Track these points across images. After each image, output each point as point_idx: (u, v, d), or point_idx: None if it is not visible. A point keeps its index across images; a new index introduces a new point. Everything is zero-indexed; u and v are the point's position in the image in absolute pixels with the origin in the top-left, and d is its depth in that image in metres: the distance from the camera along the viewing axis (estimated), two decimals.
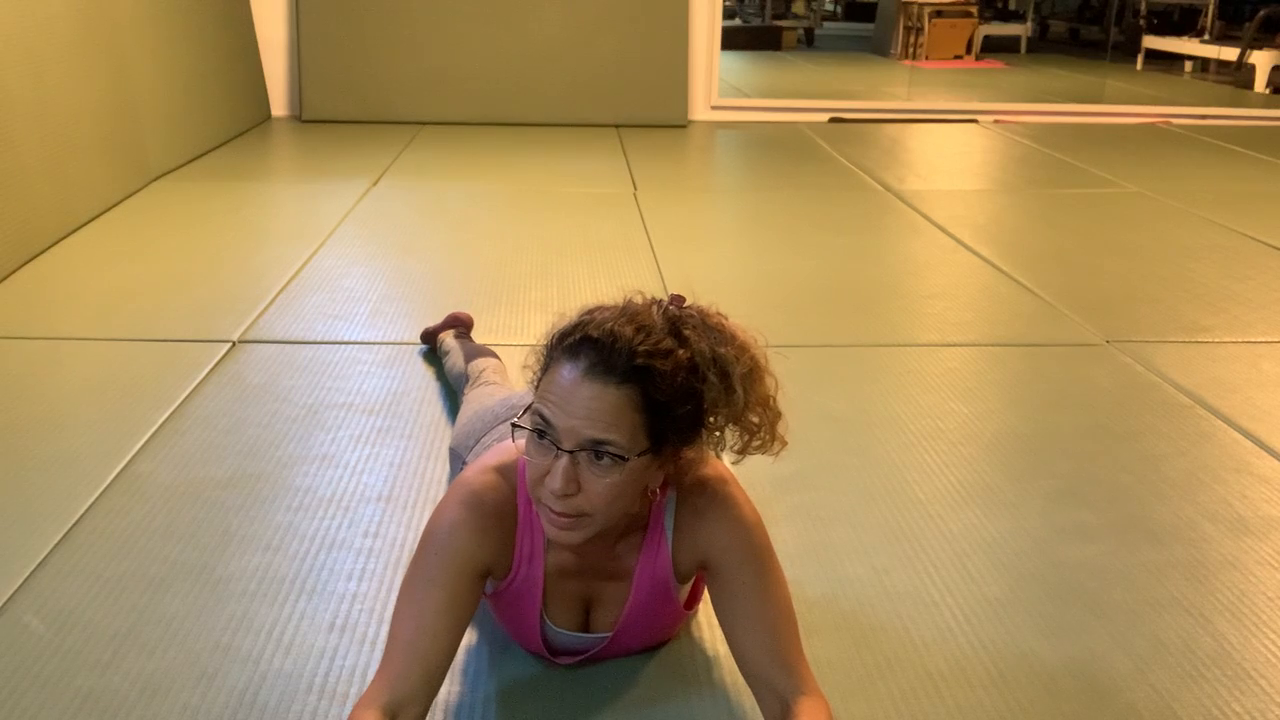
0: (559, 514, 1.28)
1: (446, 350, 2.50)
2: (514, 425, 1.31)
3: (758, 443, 1.34)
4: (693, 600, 1.56)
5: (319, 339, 2.77)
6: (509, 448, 1.42)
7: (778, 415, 1.34)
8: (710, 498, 1.39)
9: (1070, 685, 1.53)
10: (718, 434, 1.34)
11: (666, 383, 1.25)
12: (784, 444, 1.35)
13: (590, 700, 1.48)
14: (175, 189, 4.30)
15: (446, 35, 5.87)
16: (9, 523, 1.88)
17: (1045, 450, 2.26)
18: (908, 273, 3.47)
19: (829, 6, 13.16)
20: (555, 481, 1.25)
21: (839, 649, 1.60)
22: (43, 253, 3.38)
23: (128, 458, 2.12)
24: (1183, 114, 6.71)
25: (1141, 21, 10.15)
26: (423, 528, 1.63)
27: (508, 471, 1.39)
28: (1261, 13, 8.41)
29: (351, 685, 1.50)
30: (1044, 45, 11.23)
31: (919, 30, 9.66)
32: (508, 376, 2.27)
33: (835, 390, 2.52)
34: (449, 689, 1.49)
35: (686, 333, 1.29)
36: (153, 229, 3.73)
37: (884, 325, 2.96)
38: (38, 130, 3.47)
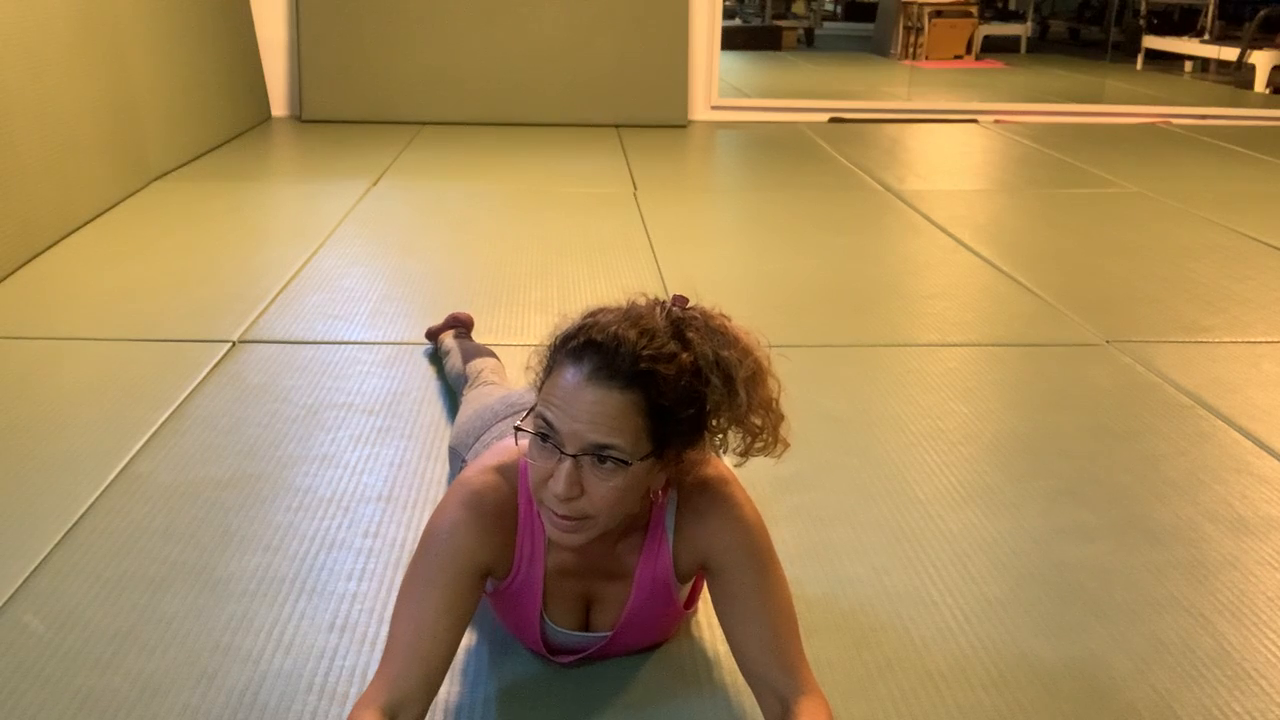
0: (562, 517, 1.28)
1: (446, 350, 2.50)
2: (517, 429, 1.31)
3: (760, 444, 1.34)
4: (692, 600, 1.56)
5: (319, 339, 2.77)
6: (509, 447, 1.42)
7: (780, 417, 1.34)
8: (711, 498, 1.39)
9: (1070, 685, 1.53)
10: (720, 436, 1.34)
11: (670, 387, 1.25)
12: (786, 446, 1.35)
13: (590, 700, 1.48)
14: (175, 189, 4.30)
15: (446, 35, 5.87)
16: (9, 523, 1.88)
17: (1045, 450, 2.26)
18: (908, 273, 3.47)
19: (829, 6, 13.17)
20: (559, 485, 1.25)
21: (839, 649, 1.60)
22: (43, 253, 3.38)
23: (128, 458, 2.12)
24: (1183, 114, 6.71)
25: (1141, 21, 10.15)
26: (423, 528, 1.63)
27: (508, 471, 1.39)
28: (1261, 13, 8.42)
29: (351, 685, 1.50)
30: (1044, 45, 11.24)
31: (919, 30, 9.66)
32: (506, 376, 2.28)
33: (835, 390, 2.52)
34: (449, 689, 1.49)
35: (690, 335, 1.28)
36: (153, 229, 3.73)
37: (884, 325, 2.96)
38: (38, 130, 3.47)
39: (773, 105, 6.63)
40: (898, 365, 2.68)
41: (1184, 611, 1.71)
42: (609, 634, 1.48)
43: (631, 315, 1.28)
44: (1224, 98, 7.92)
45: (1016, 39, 10.88)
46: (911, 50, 9.70)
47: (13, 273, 3.18)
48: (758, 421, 1.32)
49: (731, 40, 7.91)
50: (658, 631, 1.54)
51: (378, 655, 1.54)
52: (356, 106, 5.88)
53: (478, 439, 1.80)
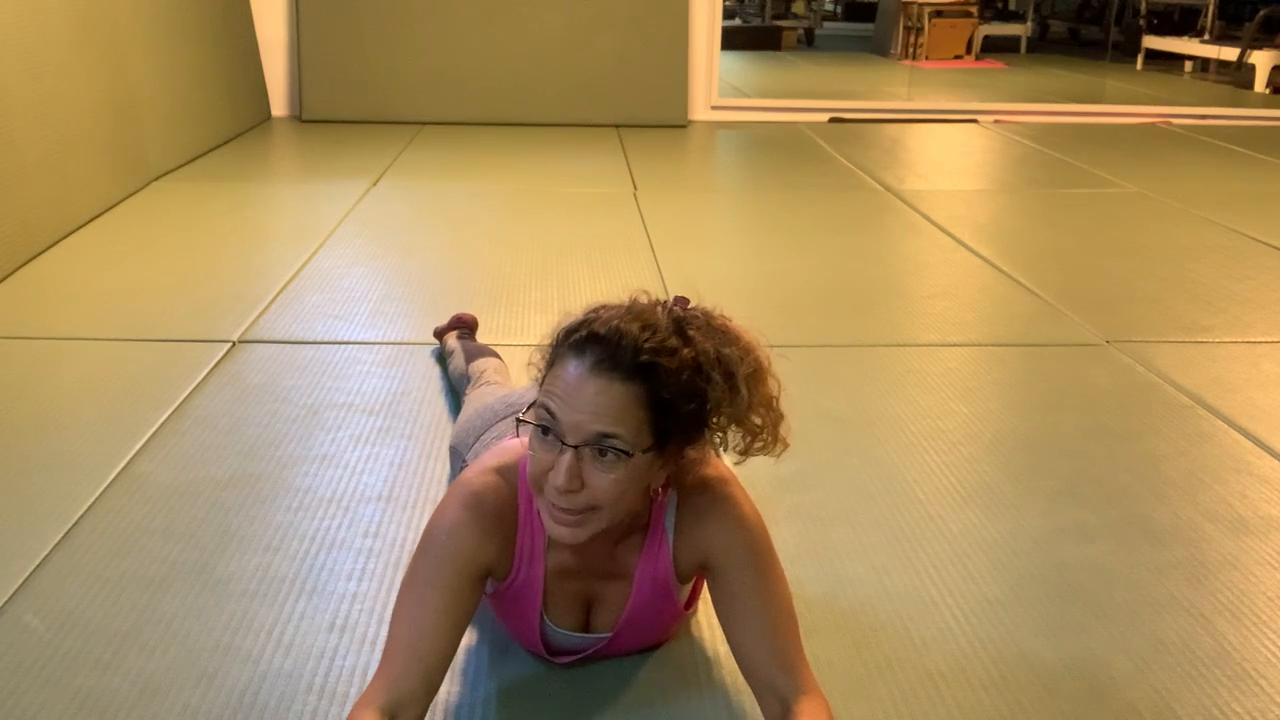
0: (563, 510, 1.28)
1: (450, 351, 2.50)
2: (519, 420, 1.31)
3: (760, 444, 1.34)
4: (692, 600, 1.56)
5: (319, 339, 2.77)
6: (509, 448, 1.42)
7: (780, 417, 1.34)
8: (711, 498, 1.39)
9: (1070, 685, 1.53)
10: (720, 434, 1.34)
11: (672, 380, 1.25)
12: (786, 446, 1.36)
13: (590, 700, 1.48)
14: (175, 189, 4.30)
15: (446, 35, 5.87)
16: (9, 523, 1.88)
17: (1045, 450, 2.26)
18: (908, 273, 3.47)
19: (829, 6, 13.16)
20: (559, 477, 1.25)
21: (839, 649, 1.60)
22: (43, 253, 3.38)
23: (128, 458, 2.12)
24: (1183, 114, 6.71)
25: (1141, 21, 10.15)
26: (423, 528, 1.63)
27: (508, 472, 1.39)
28: (1261, 13, 8.41)
29: (351, 685, 1.50)
30: (1044, 45, 11.23)
31: (919, 30, 9.66)
32: (509, 376, 2.28)
33: (835, 390, 2.52)
34: (449, 689, 1.49)
35: (691, 332, 1.29)
36: (153, 229, 3.73)
37: (884, 325, 2.96)
38: (38, 130, 3.47)
39: (773, 105, 6.63)
40: (898, 365, 2.68)
41: (1184, 611, 1.71)
42: (609, 635, 1.48)
43: (634, 310, 1.29)
44: (1224, 98, 7.92)
45: (1016, 39, 10.88)
46: (911, 50, 9.69)
47: (13, 273, 3.18)
48: (758, 420, 1.32)
49: (731, 40, 7.91)
50: (658, 632, 1.54)
51: (378, 655, 1.54)
52: (356, 106, 5.88)
53: (478, 439, 1.80)
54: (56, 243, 3.48)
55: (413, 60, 5.88)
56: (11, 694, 1.47)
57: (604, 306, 1.31)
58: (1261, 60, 8.10)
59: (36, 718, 1.43)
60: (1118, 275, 3.43)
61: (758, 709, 1.37)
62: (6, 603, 1.66)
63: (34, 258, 3.32)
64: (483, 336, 2.68)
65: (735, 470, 1.44)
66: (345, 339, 2.78)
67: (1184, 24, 9.92)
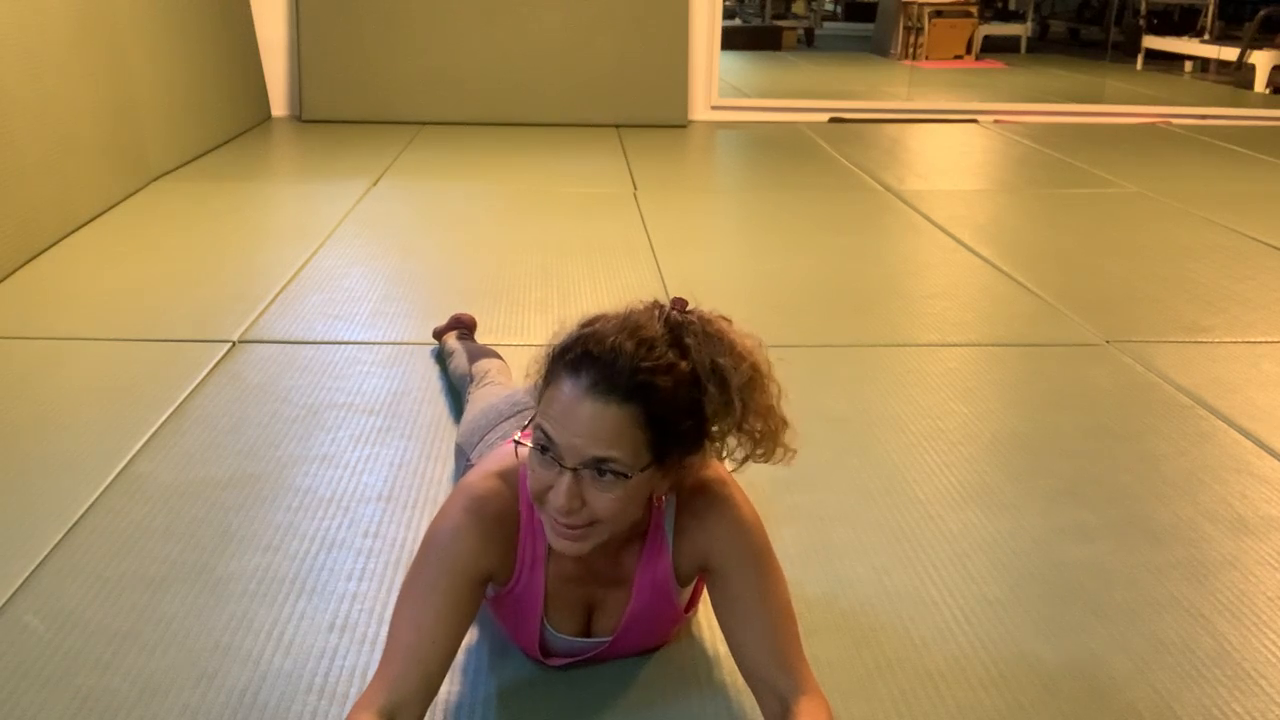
0: (567, 526, 1.28)
1: (450, 351, 2.50)
2: (516, 442, 1.31)
3: (761, 451, 1.33)
4: (692, 603, 1.55)
5: (319, 339, 2.77)
6: (511, 452, 1.41)
7: (783, 424, 1.32)
8: (709, 500, 1.39)
9: (1070, 685, 1.53)
10: (721, 443, 1.33)
11: (668, 397, 1.24)
12: (791, 453, 1.34)
13: (590, 701, 1.48)
14: (175, 189, 4.30)
15: (446, 35, 5.87)
16: (9, 523, 1.88)
17: (1045, 450, 2.25)
18: (908, 273, 3.47)
19: (829, 6, 13.17)
20: (559, 498, 1.25)
21: (839, 649, 1.60)
22: (43, 253, 3.38)
23: (128, 458, 2.12)
24: (1183, 114, 6.71)
25: (1141, 21, 10.15)
26: (423, 529, 1.62)
27: (510, 477, 1.38)
28: (1261, 13, 8.41)
29: (351, 685, 1.50)
30: (1044, 45, 11.23)
31: (919, 30, 9.66)
32: (511, 377, 2.27)
33: (835, 390, 2.52)
34: (449, 689, 1.49)
35: (688, 341, 1.27)
36: (153, 229, 3.73)
37: (884, 325, 2.96)
38: (38, 130, 3.47)
39: (773, 105, 6.63)
40: (898, 365, 2.68)
41: (1184, 611, 1.71)
42: (609, 639, 1.48)
43: (629, 324, 1.27)
44: (1224, 98, 7.92)
45: (1016, 39, 10.88)
46: (911, 50, 9.69)
47: (13, 273, 3.18)
48: (758, 427, 1.31)
49: (731, 40, 7.90)
50: (657, 635, 1.54)
51: (378, 655, 1.54)
52: (356, 106, 5.88)
53: (482, 438, 1.80)
54: (56, 243, 3.48)
55: (413, 60, 5.88)
56: (11, 694, 1.47)
57: (599, 319, 1.29)
58: (1261, 60, 8.10)
59: (36, 718, 1.43)
60: (1118, 275, 3.43)
61: (758, 709, 1.37)
62: (6, 603, 1.66)
63: (34, 258, 3.32)
64: (482, 336, 2.68)
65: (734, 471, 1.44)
66: (345, 339, 2.78)
67: (1184, 24, 9.92)
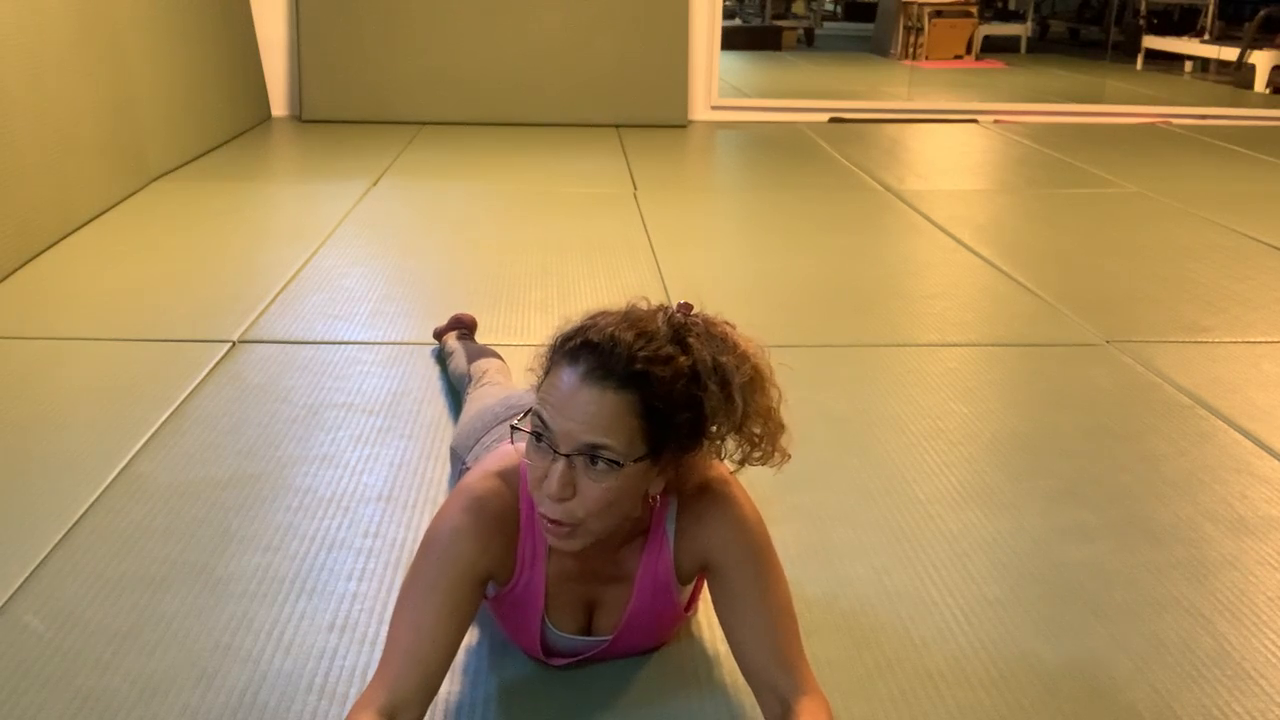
0: (554, 521, 1.28)
1: (450, 351, 2.50)
2: (513, 428, 1.31)
3: (758, 454, 1.34)
4: (692, 601, 1.55)
5: (319, 339, 2.77)
6: (510, 451, 1.42)
7: (780, 427, 1.33)
8: (711, 499, 1.39)
9: (1070, 685, 1.53)
10: (719, 443, 1.33)
11: (665, 389, 1.25)
12: (786, 457, 1.35)
13: (590, 700, 1.48)
14: (175, 189, 4.30)
15: (446, 35, 5.87)
16: (9, 523, 1.88)
17: (1045, 450, 2.26)
18: (908, 273, 3.47)
19: (829, 6, 13.17)
20: (551, 485, 1.25)
21: (839, 649, 1.60)
22: (43, 253, 3.38)
23: (128, 458, 2.12)
24: (1183, 114, 6.71)
25: (1141, 21, 10.15)
26: (423, 529, 1.62)
27: (510, 477, 1.38)
28: (1261, 13, 8.41)
29: (351, 685, 1.50)
30: (1044, 45, 11.24)
31: (919, 30, 9.66)
32: (510, 377, 2.28)
33: (835, 390, 2.52)
34: (449, 689, 1.49)
35: (690, 340, 1.28)
36: (153, 229, 3.73)
37: (884, 325, 2.96)
38: (38, 130, 3.47)
39: (773, 105, 6.63)
40: (898, 365, 2.68)
41: (1184, 611, 1.71)
42: (610, 638, 1.48)
43: (631, 318, 1.29)
44: (1224, 98, 7.92)
45: (1016, 39, 10.88)
46: (911, 50, 9.69)
47: (13, 273, 3.18)
48: (757, 430, 1.32)
49: (731, 40, 7.91)
50: (658, 634, 1.54)
51: (378, 655, 1.54)
52: (356, 106, 5.88)
53: (478, 440, 1.80)
54: (56, 243, 3.48)
55: (413, 60, 5.88)
56: (11, 694, 1.47)
57: (602, 313, 1.30)
58: (1261, 60, 8.10)
59: (36, 718, 1.43)
60: (1118, 275, 3.43)
61: (758, 709, 1.37)
62: (6, 603, 1.66)
63: (34, 258, 3.32)
64: (482, 336, 2.68)
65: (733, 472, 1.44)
66: (345, 339, 2.78)
67: (1184, 24, 9.93)
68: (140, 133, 4.30)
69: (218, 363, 2.59)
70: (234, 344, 2.71)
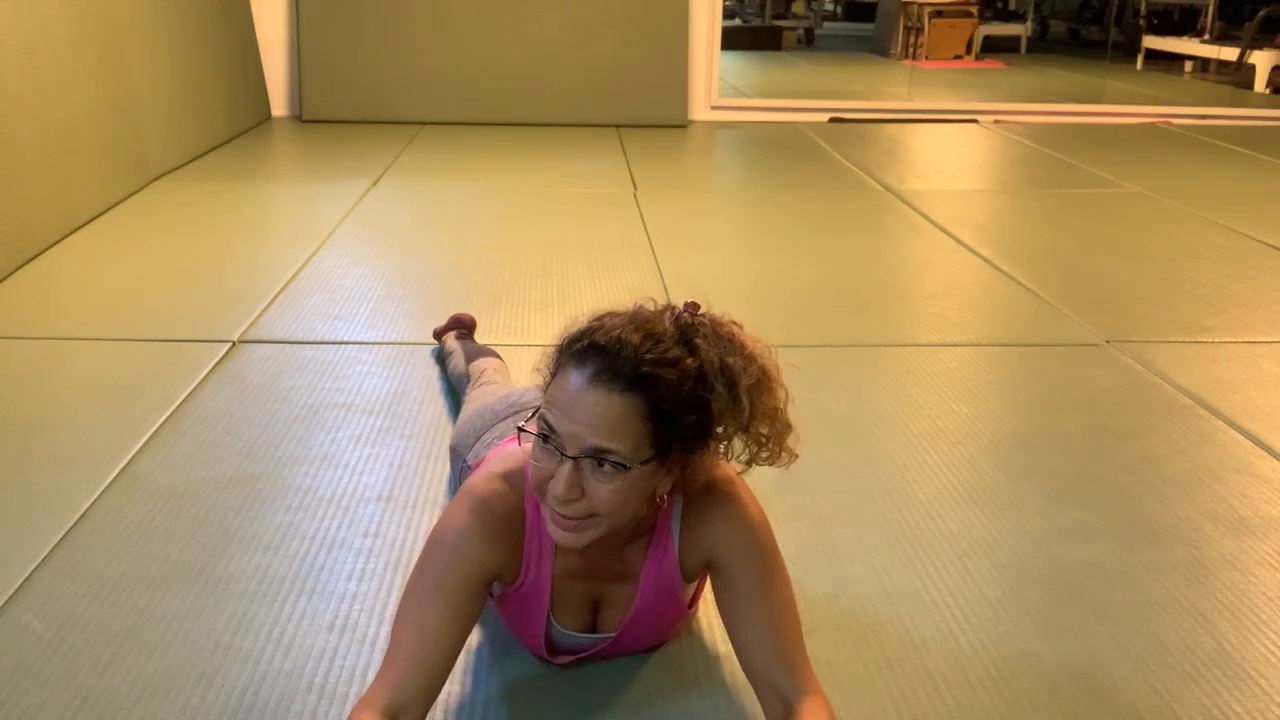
0: (565, 517, 1.28)
1: (449, 351, 2.50)
2: (520, 429, 1.31)
3: (765, 454, 1.34)
4: (694, 599, 1.56)
5: (319, 339, 2.77)
6: (514, 453, 1.42)
7: (787, 427, 1.34)
8: (716, 498, 1.39)
9: (1070, 685, 1.53)
10: (726, 444, 1.33)
11: (672, 392, 1.25)
12: (794, 456, 1.35)
13: (591, 700, 1.48)
14: (175, 189, 4.30)
15: (446, 35, 5.87)
16: (9, 523, 1.88)
17: (1045, 450, 2.26)
18: (908, 273, 3.47)
19: (829, 6, 13.17)
20: (559, 487, 1.26)
21: (839, 649, 1.60)
22: (43, 253, 3.38)
23: (128, 458, 2.12)
24: (1183, 114, 6.71)
25: (1141, 21, 10.15)
26: (423, 529, 1.62)
27: (514, 478, 1.39)
28: (1261, 13, 8.41)
29: (351, 685, 1.50)
30: (1044, 45, 11.24)
31: (919, 30, 9.66)
32: (509, 376, 2.28)
33: (835, 390, 2.52)
34: (450, 689, 1.49)
35: (697, 341, 1.28)
36: (153, 229, 3.73)
37: (884, 325, 2.96)
38: (38, 130, 3.47)
39: (773, 105, 6.63)
40: (898, 365, 2.68)
41: (1184, 611, 1.71)
42: (613, 635, 1.48)
43: (638, 320, 1.29)
44: (1224, 98, 7.92)
45: (1016, 39, 10.88)
46: (911, 50, 9.70)
47: (13, 273, 3.18)
48: (764, 430, 1.32)
49: (731, 40, 7.91)
50: (661, 631, 1.54)
51: (378, 655, 1.54)
52: (356, 106, 5.88)
53: (478, 439, 1.80)
54: (56, 243, 3.48)
55: (413, 60, 5.88)
56: (11, 694, 1.47)
57: (610, 314, 1.31)
58: (1261, 60, 8.10)
59: (36, 718, 1.43)
60: (1118, 275, 3.43)
61: (758, 709, 1.37)
62: (6, 603, 1.66)
63: (34, 258, 3.32)
64: (482, 336, 2.68)
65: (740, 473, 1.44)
66: (345, 339, 2.78)
67: (1184, 24, 9.93)
68: (140, 133, 4.30)
69: (218, 363, 2.59)
70: (234, 344, 2.71)
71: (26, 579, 1.72)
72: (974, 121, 6.47)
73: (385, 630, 1.60)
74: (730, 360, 1.28)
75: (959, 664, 1.57)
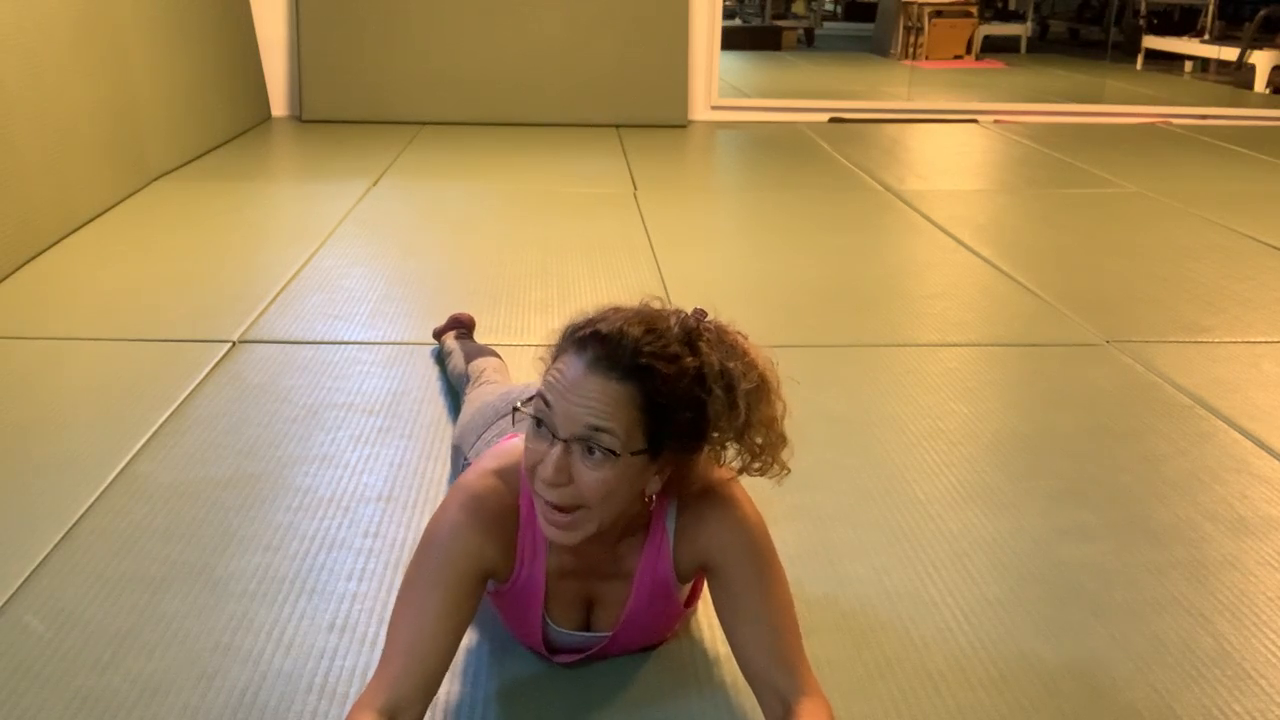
0: (553, 506, 1.28)
1: (449, 351, 2.50)
2: (515, 408, 1.32)
3: (758, 465, 1.35)
4: (692, 599, 1.56)
5: (319, 339, 2.77)
6: (509, 449, 1.42)
7: (782, 440, 1.34)
8: (712, 499, 1.39)
9: (1070, 685, 1.53)
10: (719, 449, 1.34)
11: (668, 386, 1.26)
12: (786, 470, 1.36)
13: (590, 700, 1.48)
14: (175, 189, 4.30)
15: (446, 35, 5.87)
16: (9, 523, 1.88)
17: (1045, 450, 2.26)
18: (908, 273, 3.47)
19: (829, 6, 13.17)
20: (547, 469, 1.26)
21: (839, 649, 1.60)
22: (43, 253, 3.38)
23: (128, 458, 2.12)
24: (1183, 114, 6.71)
25: (1141, 21, 10.15)
26: (423, 529, 1.62)
27: (508, 474, 1.39)
28: (1261, 13, 8.41)
29: (351, 685, 1.50)
30: (1044, 45, 11.24)
31: (919, 30, 9.66)
32: (509, 376, 2.28)
33: (835, 390, 2.52)
34: (449, 688, 1.49)
35: (700, 344, 1.29)
36: (153, 229, 3.73)
37: (884, 325, 2.96)
38: (38, 130, 3.47)
39: (773, 105, 6.63)
40: (898, 365, 2.68)
41: (1184, 611, 1.71)
42: (609, 634, 1.48)
43: (643, 315, 1.30)
44: (1224, 98, 7.92)
45: (1016, 39, 10.88)
46: (911, 50, 9.69)
47: (13, 273, 3.18)
48: (758, 440, 1.33)
49: (731, 40, 7.90)
50: (658, 631, 1.54)
51: (378, 655, 1.53)
52: (356, 106, 5.88)
53: (479, 436, 1.81)
54: (56, 243, 3.48)
55: (413, 60, 5.88)
56: (11, 694, 1.47)
57: (616, 309, 1.32)
58: (1261, 60, 8.10)
59: (36, 718, 1.43)
60: (1118, 275, 3.43)
61: (758, 709, 1.37)
62: (6, 603, 1.66)
63: (34, 258, 3.32)
64: (482, 336, 2.68)
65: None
66: (345, 339, 2.78)
67: (1184, 24, 9.92)
68: (140, 132, 4.30)
69: (218, 363, 2.59)
70: (234, 344, 2.71)
71: (26, 579, 1.72)
72: (974, 121, 6.47)
73: (385, 630, 1.60)
74: (731, 365, 1.29)
75: (959, 664, 1.57)
